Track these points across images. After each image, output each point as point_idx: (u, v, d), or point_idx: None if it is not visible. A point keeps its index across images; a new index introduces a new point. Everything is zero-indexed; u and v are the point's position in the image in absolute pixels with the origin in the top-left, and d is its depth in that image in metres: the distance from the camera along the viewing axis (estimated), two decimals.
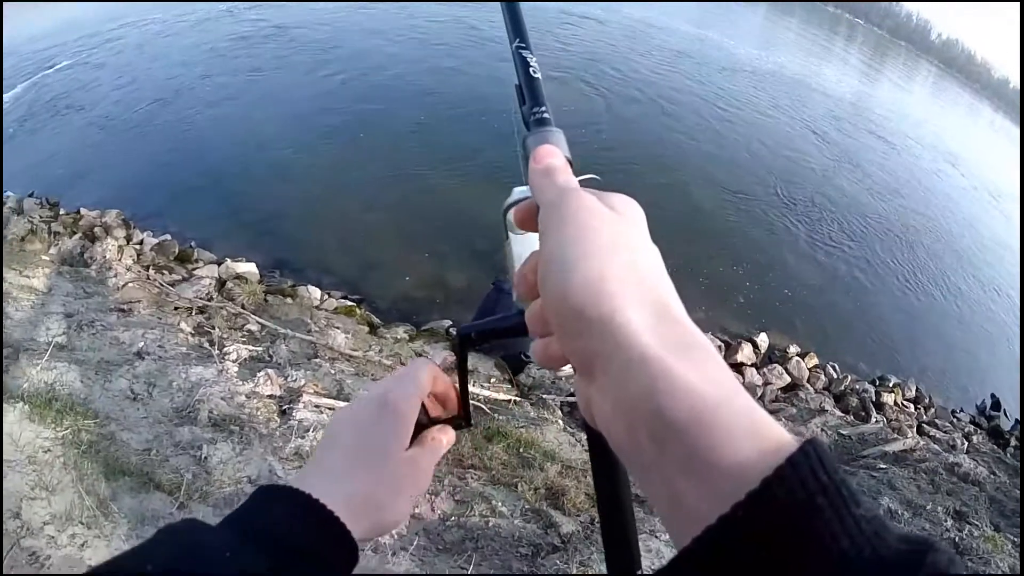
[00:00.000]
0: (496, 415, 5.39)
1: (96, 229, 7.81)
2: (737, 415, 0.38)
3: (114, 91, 12.92)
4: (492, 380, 6.27)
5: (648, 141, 12.83)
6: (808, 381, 8.33)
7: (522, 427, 5.23)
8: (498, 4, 0.79)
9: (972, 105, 34.07)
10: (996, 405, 9.54)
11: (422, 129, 11.99)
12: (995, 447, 8.01)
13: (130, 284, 6.30)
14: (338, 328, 6.37)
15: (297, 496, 0.58)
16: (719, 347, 8.19)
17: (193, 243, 8.33)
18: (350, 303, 7.68)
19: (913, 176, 16.08)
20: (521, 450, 4.82)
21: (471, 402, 0.82)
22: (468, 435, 4.80)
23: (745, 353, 8.32)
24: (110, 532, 3.20)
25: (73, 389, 4.26)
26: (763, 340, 8.67)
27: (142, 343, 5.04)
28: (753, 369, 8.25)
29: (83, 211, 8.44)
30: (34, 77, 13.59)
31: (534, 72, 0.69)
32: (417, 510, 3.98)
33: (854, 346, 9.56)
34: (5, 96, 12.72)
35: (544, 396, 6.20)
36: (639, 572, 0.63)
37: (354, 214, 9.67)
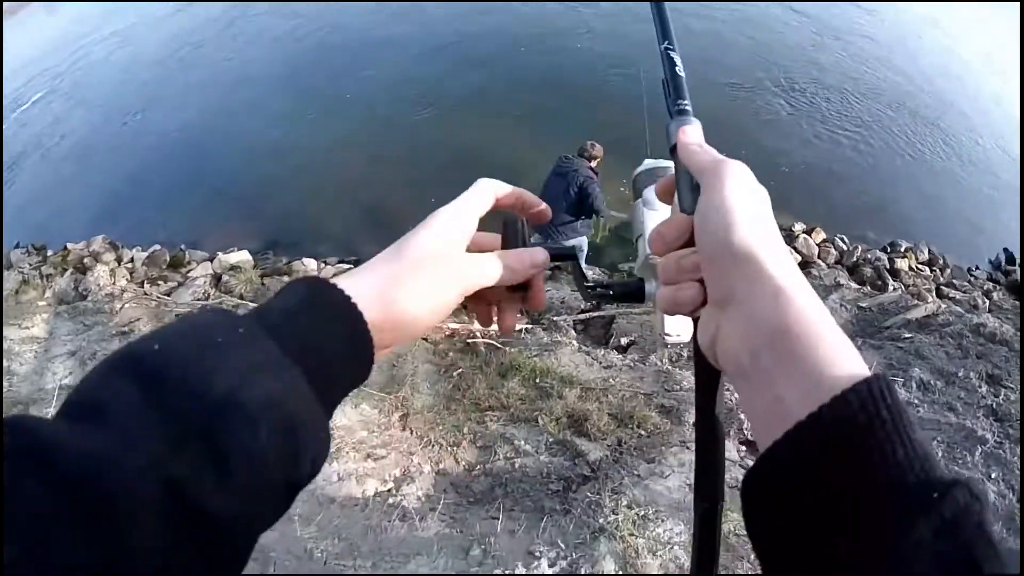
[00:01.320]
0: (508, 347, 5.29)
1: (86, 260, 7.78)
2: (836, 340, 0.48)
3: (86, 116, 12.85)
4: None
5: (630, 39, 12.52)
6: (819, 257, 8.17)
7: (536, 355, 5.15)
8: None
9: None
10: (1011, 259, 9.29)
11: (400, 77, 11.87)
12: (1016, 302, 7.85)
13: (127, 305, 6.25)
14: None
15: (318, 283, 0.58)
16: None
17: (183, 246, 8.31)
18: (347, 266, 7.58)
19: (898, 41, 15.32)
20: (537, 380, 4.73)
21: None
22: (482, 375, 4.74)
23: None
24: None
25: None
26: None
27: None
28: None
29: (69, 246, 8.41)
30: (10, 117, 13.61)
31: (679, 71, 0.79)
32: (441, 465, 3.94)
33: (859, 216, 9.30)
34: None
35: (555, 318, 6.15)
36: (722, 502, 0.69)
37: (337, 176, 9.60)
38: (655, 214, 0.81)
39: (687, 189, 0.64)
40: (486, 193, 0.74)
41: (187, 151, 10.82)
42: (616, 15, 12.78)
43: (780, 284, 0.51)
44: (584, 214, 6.34)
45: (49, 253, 8.56)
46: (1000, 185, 10.86)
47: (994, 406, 4.74)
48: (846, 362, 0.46)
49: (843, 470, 0.41)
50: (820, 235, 8.47)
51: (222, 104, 12.07)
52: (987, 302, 7.53)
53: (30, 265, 8.17)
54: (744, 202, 0.57)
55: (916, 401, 4.76)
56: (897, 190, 10.06)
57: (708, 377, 0.65)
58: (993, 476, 4.11)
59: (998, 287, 8.40)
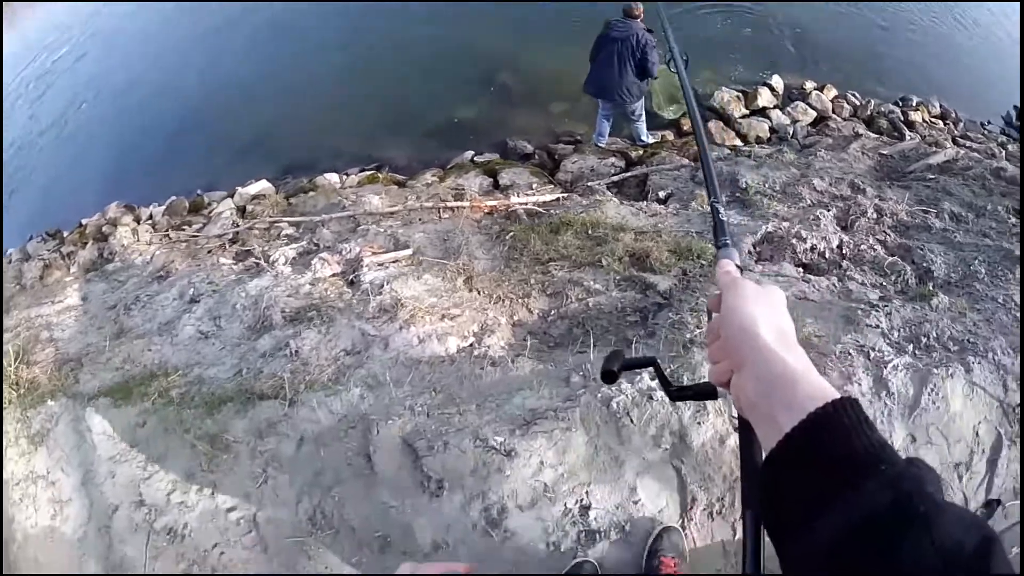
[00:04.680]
0: (551, 211, 5.29)
1: (104, 228, 7.67)
2: (811, 379, 0.70)
3: (71, 98, 12.55)
4: (534, 186, 6.21)
5: None
6: (833, 112, 8.35)
7: (581, 213, 5.11)
8: None
9: None
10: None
11: None
12: None
13: (157, 253, 6.18)
14: (370, 195, 6.27)
15: None
16: (737, 97, 8.29)
17: (199, 191, 8.27)
18: (370, 171, 7.70)
19: None
20: (590, 231, 4.69)
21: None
22: (535, 235, 4.70)
23: (765, 97, 8.35)
24: (232, 463, 3.14)
25: (144, 361, 4.18)
26: (777, 82, 8.64)
27: (192, 289, 4.93)
28: (777, 111, 8.29)
29: (84, 221, 8.31)
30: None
31: (723, 217, 1.28)
32: (516, 316, 3.90)
33: (868, 73, 9.29)
34: None
35: (589, 184, 6.10)
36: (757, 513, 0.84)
37: (340, 89, 9.54)
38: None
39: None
40: None
41: (182, 100, 10.61)
42: None
43: (773, 348, 0.75)
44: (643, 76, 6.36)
45: (65, 234, 8.46)
46: (1006, 45, 10.67)
47: None
48: (819, 393, 0.66)
49: (816, 456, 0.62)
50: (832, 91, 8.62)
51: (209, 46, 11.96)
52: (1003, 152, 7.50)
53: (48, 250, 8.07)
54: (746, 301, 0.83)
55: (951, 229, 4.72)
56: (903, 47, 10.06)
57: (745, 425, 0.85)
58: None
59: (1012, 141, 8.43)
